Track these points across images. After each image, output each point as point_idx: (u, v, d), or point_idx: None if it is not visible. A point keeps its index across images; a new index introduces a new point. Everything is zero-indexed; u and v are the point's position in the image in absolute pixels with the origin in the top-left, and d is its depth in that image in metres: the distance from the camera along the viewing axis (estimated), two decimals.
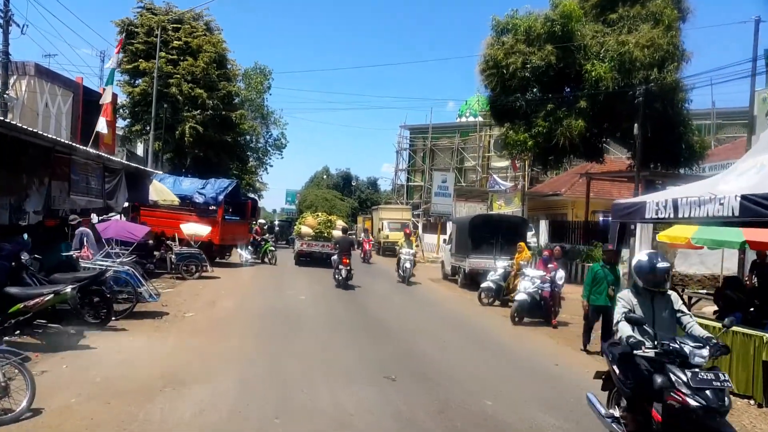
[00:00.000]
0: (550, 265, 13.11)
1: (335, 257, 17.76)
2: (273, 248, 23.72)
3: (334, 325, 11.06)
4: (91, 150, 14.24)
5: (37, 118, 25.53)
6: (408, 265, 19.39)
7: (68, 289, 7.82)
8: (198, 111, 31.42)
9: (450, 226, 38.33)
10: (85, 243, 10.79)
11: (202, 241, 17.40)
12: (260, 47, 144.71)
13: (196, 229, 16.83)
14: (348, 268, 17.26)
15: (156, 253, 16.69)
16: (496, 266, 15.63)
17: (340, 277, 17.13)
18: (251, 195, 59.09)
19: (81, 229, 11.37)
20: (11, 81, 24.72)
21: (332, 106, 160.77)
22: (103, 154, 15.18)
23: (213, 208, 20.20)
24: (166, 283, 15.39)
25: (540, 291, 12.55)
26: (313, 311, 12.41)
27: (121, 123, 34.13)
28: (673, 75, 19.52)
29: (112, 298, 9.64)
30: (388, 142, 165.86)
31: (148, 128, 30.52)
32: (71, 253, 10.36)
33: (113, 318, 9.65)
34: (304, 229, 23.47)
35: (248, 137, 35.90)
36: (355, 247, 26.08)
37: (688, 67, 20.36)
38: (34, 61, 25.70)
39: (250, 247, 23.31)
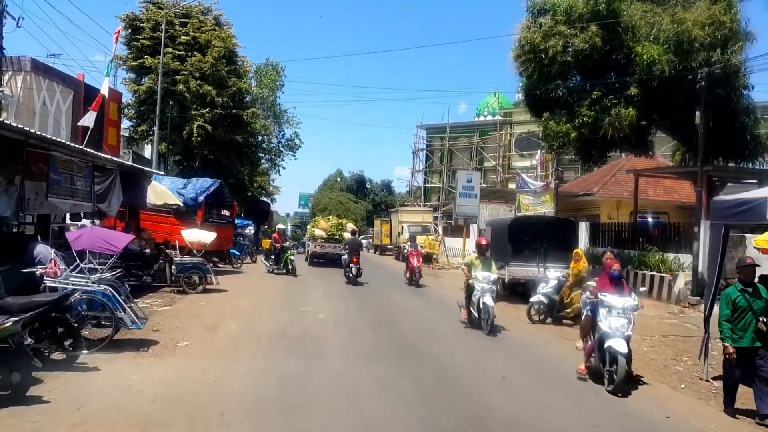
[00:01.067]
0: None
1: (345, 257, 19.79)
2: (293, 257, 21.27)
3: (365, 360, 8.87)
4: (73, 145, 12.24)
5: (33, 117, 23.71)
6: (488, 300, 11.60)
7: (8, 323, 5.75)
8: (207, 109, 29.51)
9: (474, 229, 36.26)
10: (53, 257, 8.71)
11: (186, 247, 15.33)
12: (272, 43, 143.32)
13: (199, 236, 14.77)
14: (357, 266, 19.23)
15: (158, 263, 14.70)
16: (548, 277, 13.40)
17: (351, 275, 19.09)
18: (264, 199, 57.64)
19: (38, 248, 9.27)
20: (6, 77, 22.93)
21: (344, 104, 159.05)
22: (91, 151, 13.18)
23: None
24: (164, 299, 13.35)
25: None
26: (337, 338, 10.18)
27: (126, 123, 32.40)
28: (737, 56, 17.18)
29: (81, 328, 7.57)
30: (400, 144, 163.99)
31: (155, 128, 28.68)
32: (35, 269, 8.32)
33: (84, 352, 7.60)
34: (318, 232, 25.23)
35: (260, 137, 33.95)
36: (363, 249, 27.85)
37: (753, 48, 18.02)
38: (30, 56, 23.91)
39: (272, 256, 21.20)
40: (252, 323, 10.94)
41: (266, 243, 21.00)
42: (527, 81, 19.78)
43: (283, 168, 38.05)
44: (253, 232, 38.46)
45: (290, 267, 20.20)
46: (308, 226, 29.94)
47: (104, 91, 18.47)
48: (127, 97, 31.62)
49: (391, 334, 10.83)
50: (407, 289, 18.70)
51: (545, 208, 28.74)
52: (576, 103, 18.69)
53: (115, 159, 14.29)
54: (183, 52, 30.31)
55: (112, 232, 9.31)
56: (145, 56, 29.99)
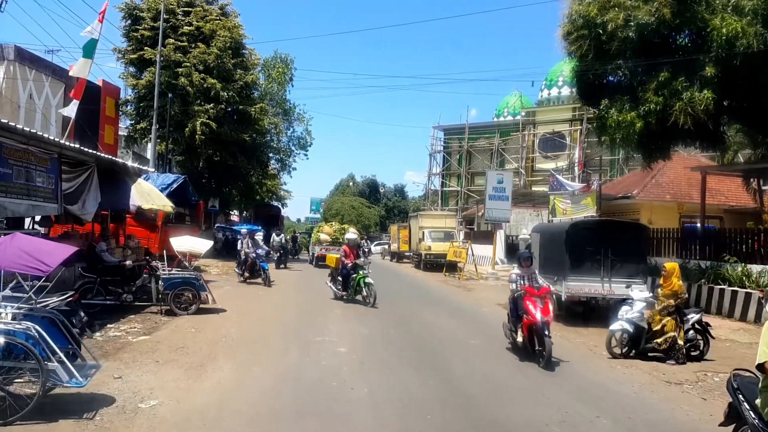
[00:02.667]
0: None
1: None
2: (370, 278, 14.96)
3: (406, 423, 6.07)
4: (28, 129, 9.57)
5: (17, 111, 21.23)
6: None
7: None
8: (211, 105, 26.92)
9: (501, 235, 33.22)
10: None
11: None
12: (281, 36, 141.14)
13: (191, 245, 12.06)
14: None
15: (141, 278, 12.00)
16: (632, 298, 10.51)
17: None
18: (274, 203, 55.02)
19: None
20: None
21: (355, 100, 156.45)
22: (55, 139, 10.55)
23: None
24: (145, 324, 10.63)
25: None
26: (366, 389, 7.26)
27: (126, 122, 29.92)
28: None
29: None
30: (412, 148, 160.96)
31: (157, 126, 26.15)
32: None
33: None
34: (323, 237, 27.84)
35: (269, 136, 31.32)
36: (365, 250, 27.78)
37: None
38: (14, 43, 21.42)
39: (339, 278, 15.83)
40: (251, 362, 8.16)
41: (331, 259, 16.43)
42: (579, 62, 16.95)
43: (294, 169, 35.28)
44: (262, 237, 35.91)
45: (366, 293, 14.51)
46: (313, 231, 31.78)
47: (83, 74, 15.79)
48: (127, 94, 29.22)
49: (437, 379, 7.98)
50: (437, 306, 15.85)
51: (587, 212, 25.79)
52: (640, 86, 15.82)
53: (89, 151, 11.63)
54: (186, 43, 27.79)
55: (44, 242, 6.58)
56: (145, 48, 27.50)
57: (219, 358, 8.26)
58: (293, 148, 33.82)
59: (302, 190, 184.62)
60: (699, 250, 17.85)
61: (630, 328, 10.15)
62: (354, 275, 14.91)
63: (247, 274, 18.99)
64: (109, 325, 10.25)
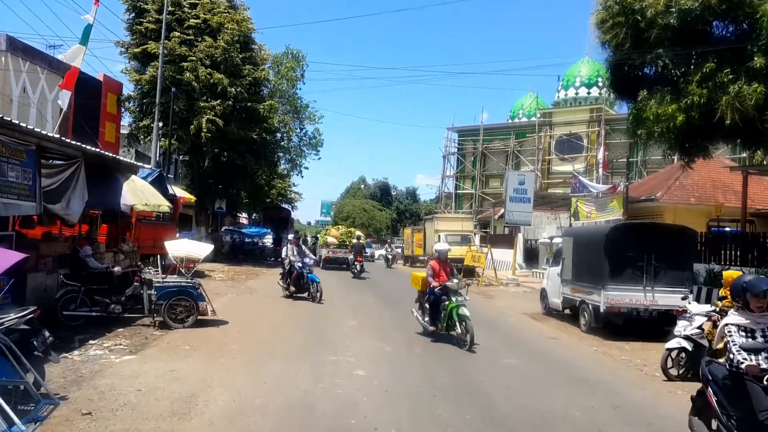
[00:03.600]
0: None
1: (351, 257, 25.85)
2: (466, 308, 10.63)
3: None
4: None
5: (9, 106, 20.12)
6: None
7: None
8: (218, 101, 25.74)
9: (520, 239, 31.74)
10: None
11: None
12: (292, 32, 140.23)
13: (188, 248, 10.80)
14: (361, 263, 24.76)
15: (132, 286, 10.75)
16: (690, 311, 9.13)
17: (356, 270, 24.38)
18: (284, 206, 53.83)
19: None
20: None
21: (367, 96, 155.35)
22: (29, 127, 9.33)
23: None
24: (134, 340, 9.38)
25: None
26: (391, 426, 5.96)
27: (128, 120, 28.81)
28: None
29: None
30: (423, 151, 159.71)
31: (161, 124, 25.03)
32: None
33: None
34: (330, 239, 29.12)
35: (279, 135, 30.11)
36: (367, 252, 32.34)
37: None
38: (6, 33, 20.30)
39: (426, 305, 11.47)
40: (253, 392, 6.85)
41: (416, 280, 12.04)
42: (614, 52, 15.56)
43: (306, 168, 34.04)
44: (272, 241, 34.79)
45: (461, 330, 10.19)
46: (320, 235, 33.12)
47: (77, 63, 14.62)
48: (130, 90, 28.11)
49: (477, 413, 6.63)
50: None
51: (612, 215, 24.39)
52: (681, 78, 14.41)
53: (73, 142, 10.42)
54: (192, 37, 26.65)
55: None
56: (149, 41, 26.38)
57: (214, 386, 6.97)
58: (304, 148, 32.57)
59: (313, 192, 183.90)
60: (737, 256, 16.39)
61: (689, 346, 8.80)
62: (445, 303, 10.57)
63: (293, 288, 15.95)
64: (91, 342, 9.02)
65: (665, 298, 12.15)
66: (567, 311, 14.71)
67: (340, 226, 33.53)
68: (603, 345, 11.67)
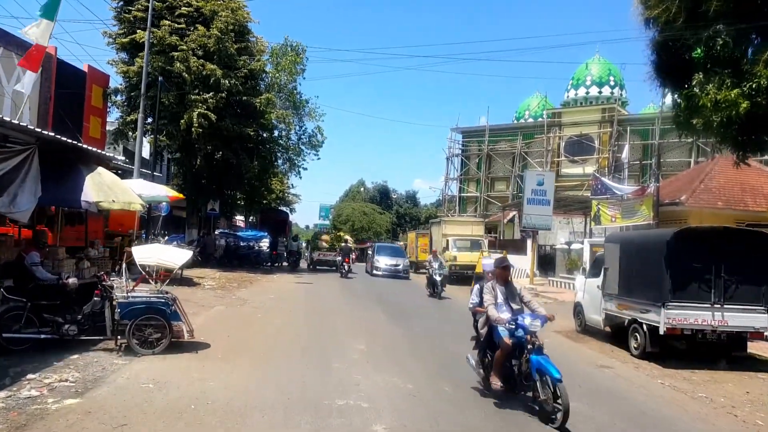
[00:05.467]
0: None
1: (340, 258, 28.26)
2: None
3: None
4: None
5: None
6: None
7: None
8: (210, 94, 23.70)
9: (537, 243, 29.63)
10: None
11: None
12: (292, 25, 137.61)
13: (160, 255, 8.69)
14: (348, 265, 27.31)
15: (92, 301, 8.65)
16: None
17: (344, 271, 26.84)
18: (282, 208, 51.69)
19: None
20: None
21: (368, 100, 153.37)
22: None
23: None
24: (86, 373, 7.28)
25: None
26: None
27: (116, 115, 26.79)
28: None
29: None
30: (422, 155, 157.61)
31: (145, 115, 22.99)
32: None
33: None
34: (321, 243, 31.96)
35: (276, 132, 28.06)
36: (355, 255, 35.53)
37: None
38: None
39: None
40: None
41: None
42: (663, 30, 13.54)
43: (305, 169, 32.00)
44: (268, 245, 32.75)
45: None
46: (311, 239, 36.47)
47: (43, 41, 12.54)
48: (118, 82, 26.10)
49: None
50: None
51: (641, 220, 22.39)
52: (744, 59, 12.40)
53: (20, 124, 8.39)
54: (183, 26, 24.64)
55: None
56: (138, 30, 24.34)
57: None
58: (303, 147, 30.47)
59: (311, 195, 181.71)
60: None
61: None
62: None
63: (497, 384, 12.63)
64: (30, 376, 6.96)
65: (737, 317, 10.15)
66: (606, 328, 12.69)
67: (331, 231, 38.84)
68: (665, 375, 9.62)
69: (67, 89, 21.99)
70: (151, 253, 8.65)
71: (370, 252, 40.87)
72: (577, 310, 13.87)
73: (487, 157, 52.72)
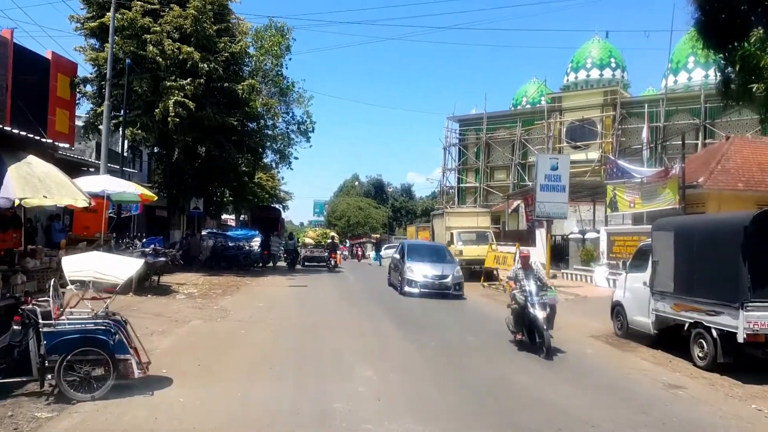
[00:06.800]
0: None
1: (326, 254, 29.96)
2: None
3: None
4: None
5: None
6: None
7: None
8: (187, 80, 21.52)
9: (542, 235, 27.53)
10: None
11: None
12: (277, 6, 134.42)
13: (97, 266, 6.54)
14: (335, 260, 30.09)
15: (9, 332, 6.52)
16: None
17: (331, 265, 29.23)
18: (274, 206, 49.47)
19: None
20: None
21: (361, 89, 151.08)
22: None
23: None
24: None
25: None
26: None
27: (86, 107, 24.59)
28: None
29: None
30: (415, 148, 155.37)
31: (111, 103, 20.84)
32: None
33: None
34: (308, 240, 32.56)
35: (263, 121, 25.81)
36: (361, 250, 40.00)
37: None
38: None
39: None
40: None
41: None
42: None
43: (296, 158, 29.84)
44: (259, 244, 30.62)
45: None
46: (299, 236, 37.19)
47: None
48: (88, 71, 23.89)
49: None
50: (503, 343, 10.30)
51: (664, 204, 20.41)
52: None
53: None
54: (157, 6, 22.42)
55: None
56: (108, 13, 22.08)
57: None
58: (293, 134, 28.28)
59: (305, 191, 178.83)
60: None
61: None
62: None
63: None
64: None
65: None
66: (654, 332, 10.66)
67: (317, 228, 40.49)
68: (753, 395, 7.62)
69: (27, 78, 19.80)
70: (86, 265, 6.50)
71: (374, 251, 39.01)
72: (617, 310, 11.83)
73: (485, 145, 50.66)
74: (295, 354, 9.12)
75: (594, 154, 44.90)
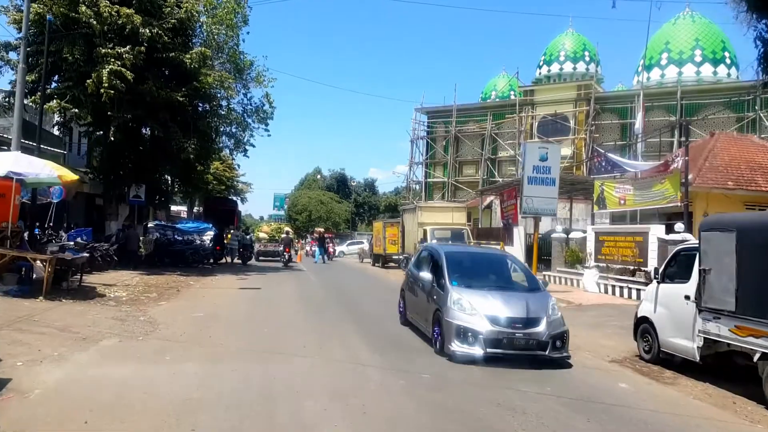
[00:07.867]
0: None
1: (281, 248, 30.90)
2: None
3: None
4: None
5: None
6: None
7: None
8: (127, 47, 18.53)
9: (520, 233, 25.20)
10: None
11: None
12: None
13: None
14: (289, 254, 29.62)
15: None
16: None
17: (284, 260, 29.25)
18: (231, 197, 46.32)
19: None
20: None
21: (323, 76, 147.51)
22: None
23: None
24: None
25: None
26: None
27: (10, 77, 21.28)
28: None
29: None
30: (378, 142, 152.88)
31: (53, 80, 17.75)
32: None
33: None
34: (262, 235, 36.31)
35: (216, 101, 22.85)
36: (294, 245, 33.98)
37: None
38: None
39: None
40: None
41: None
42: None
43: (253, 146, 26.93)
44: (212, 238, 27.73)
45: None
46: (254, 231, 37.27)
47: None
48: (7, 35, 20.57)
49: None
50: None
51: (664, 202, 18.49)
52: None
53: None
54: None
55: None
56: None
57: None
58: (250, 121, 25.43)
59: (265, 184, 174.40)
60: None
61: None
62: None
63: None
64: None
65: None
66: (698, 359, 8.33)
67: (271, 223, 40.40)
68: None
69: None
70: None
71: (318, 247, 35.43)
72: (644, 329, 9.55)
73: (454, 139, 48.61)
74: (232, 397, 6.33)
75: (567, 150, 43.25)
